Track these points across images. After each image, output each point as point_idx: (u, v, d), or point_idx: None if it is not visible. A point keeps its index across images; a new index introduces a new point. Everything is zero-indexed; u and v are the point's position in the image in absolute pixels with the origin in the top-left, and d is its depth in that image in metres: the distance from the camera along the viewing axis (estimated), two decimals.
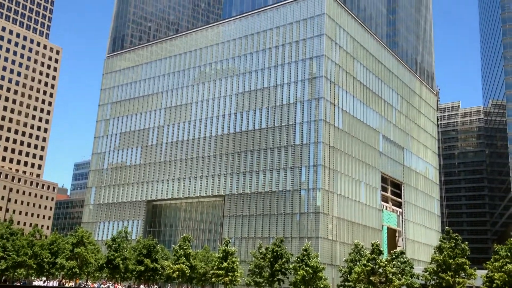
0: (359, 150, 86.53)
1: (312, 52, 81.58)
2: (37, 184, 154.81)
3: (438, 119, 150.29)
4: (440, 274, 60.36)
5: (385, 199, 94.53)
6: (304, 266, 62.03)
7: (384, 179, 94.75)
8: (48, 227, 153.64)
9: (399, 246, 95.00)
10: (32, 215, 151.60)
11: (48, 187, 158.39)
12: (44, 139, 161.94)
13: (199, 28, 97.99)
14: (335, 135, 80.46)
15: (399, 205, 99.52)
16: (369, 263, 59.87)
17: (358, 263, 63.47)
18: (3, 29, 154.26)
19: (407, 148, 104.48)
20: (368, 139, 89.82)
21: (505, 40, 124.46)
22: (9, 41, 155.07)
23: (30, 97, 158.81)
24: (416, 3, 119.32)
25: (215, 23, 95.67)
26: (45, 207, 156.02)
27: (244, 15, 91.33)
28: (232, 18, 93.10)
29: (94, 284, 75.29)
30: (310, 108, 79.47)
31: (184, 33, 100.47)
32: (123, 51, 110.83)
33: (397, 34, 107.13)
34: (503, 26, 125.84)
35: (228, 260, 65.46)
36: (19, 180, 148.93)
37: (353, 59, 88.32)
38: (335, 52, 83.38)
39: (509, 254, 58.41)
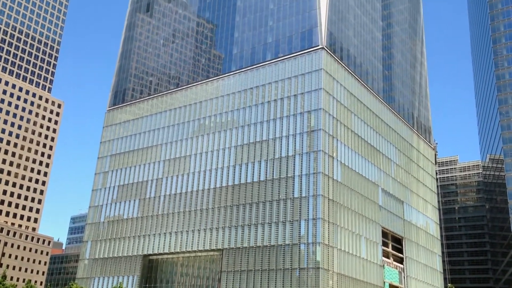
0: (359, 203, 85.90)
1: (310, 105, 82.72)
2: (32, 238, 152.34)
3: (436, 173, 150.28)
4: None
5: (386, 255, 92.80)
6: None
7: (384, 234, 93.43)
8: (41, 283, 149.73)
9: None
10: (26, 270, 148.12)
11: (43, 241, 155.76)
12: (41, 192, 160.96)
13: (199, 82, 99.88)
14: (334, 188, 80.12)
15: (400, 260, 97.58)
16: None
17: None
18: (6, 83, 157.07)
19: (407, 202, 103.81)
20: (368, 192, 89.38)
21: (500, 96, 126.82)
22: (11, 95, 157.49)
23: (29, 150, 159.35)
24: (411, 60, 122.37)
25: (215, 78, 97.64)
26: (40, 262, 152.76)
27: (243, 70, 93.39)
28: (231, 73, 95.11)
29: None
30: (309, 161, 79.58)
31: (184, 87, 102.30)
32: (124, 104, 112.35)
33: (393, 89, 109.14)
34: (497, 82, 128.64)
35: None
36: (14, 234, 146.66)
37: (350, 113, 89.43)
38: (332, 106, 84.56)
39: None
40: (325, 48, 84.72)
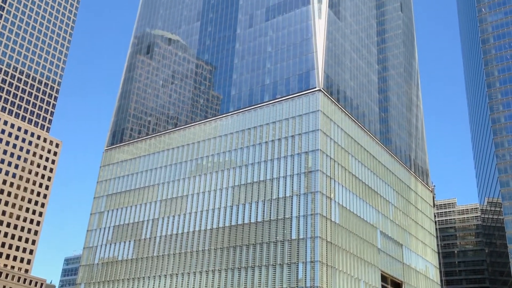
0: (357, 246, 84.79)
1: (307, 146, 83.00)
2: (25, 280, 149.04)
3: (435, 216, 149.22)
4: None
5: None
6: None
7: (384, 278, 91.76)
8: None
9: None
10: None
11: (36, 283, 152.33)
12: (35, 233, 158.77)
13: (197, 123, 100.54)
14: (332, 230, 79.27)
15: None
16: None
17: None
18: (5, 123, 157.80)
19: (406, 245, 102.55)
20: (366, 235, 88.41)
21: (496, 139, 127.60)
22: (10, 135, 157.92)
23: (25, 189, 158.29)
24: (407, 103, 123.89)
25: (213, 118, 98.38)
26: None
27: (241, 110, 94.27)
28: (229, 113, 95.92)
29: None
30: (307, 202, 79.07)
31: (182, 127, 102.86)
32: (122, 144, 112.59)
33: (390, 131, 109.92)
34: (493, 126, 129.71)
35: None
36: (6, 276, 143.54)
37: (348, 154, 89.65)
38: (330, 147, 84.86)
39: None
40: (322, 90, 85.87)
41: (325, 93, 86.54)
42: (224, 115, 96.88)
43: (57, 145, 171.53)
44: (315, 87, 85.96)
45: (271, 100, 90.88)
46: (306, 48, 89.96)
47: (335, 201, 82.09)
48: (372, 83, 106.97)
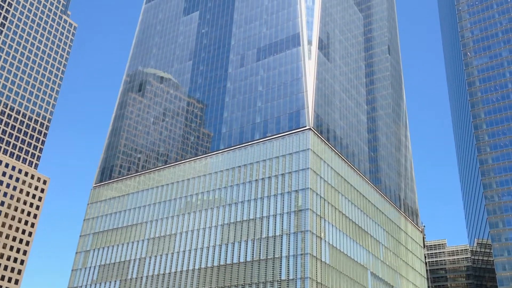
0: (348, 287, 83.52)
1: (297, 185, 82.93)
2: None
3: (425, 257, 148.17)
4: None
5: None
6: None
7: None
8: None
9: None
10: None
11: None
12: (19, 272, 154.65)
13: (187, 160, 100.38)
14: (323, 270, 78.22)
15: None
16: None
17: None
18: None
19: (396, 286, 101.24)
20: (357, 276, 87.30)
21: (484, 180, 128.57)
22: None
23: (10, 227, 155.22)
24: (396, 143, 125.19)
25: (203, 155, 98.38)
26: None
27: (231, 148, 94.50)
28: (220, 151, 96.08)
29: None
30: (296, 242, 78.27)
31: (172, 164, 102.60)
32: (111, 181, 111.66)
33: (379, 171, 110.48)
34: (481, 167, 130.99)
35: None
36: None
37: (338, 193, 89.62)
38: (320, 186, 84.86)
39: None
40: (312, 129, 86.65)
41: (315, 132, 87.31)
42: (214, 153, 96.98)
43: (44, 182, 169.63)
44: (305, 126, 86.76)
45: (262, 138, 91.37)
46: (297, 88, 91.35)
47: (325, 240, 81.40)
48: (361, 123, 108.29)
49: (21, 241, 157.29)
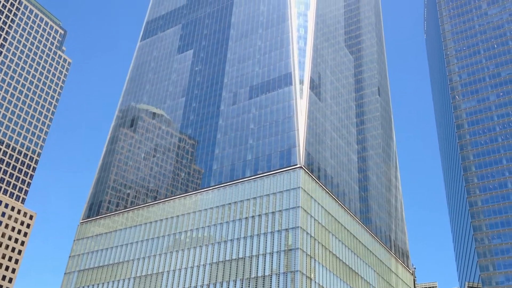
0: None
1: (288, 223, 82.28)
2: None
3: None
4: None
5: None
6: None
7: None
8: None
9: None
10: None
11: None
12: None
13: (177, 196, 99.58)
14: None
15: None
16: None
17: None
18: None
19: None
20: None
21: (474, 223, 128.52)
22: None
23: None
24: (386, 183, 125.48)
25: (194, 192, 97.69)
26: None
27: (222, 185, 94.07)
28: (210, 188, 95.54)
29: None
30: (286, 282, 76.96)
31: (162, 200, 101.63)
32: (98, 217, 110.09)
33: (370, 211, 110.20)
34: (470, 209, 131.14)
35: None
36: None
37: (328, 233, 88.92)
38: (310, 225, 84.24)
39: None
40: (303, 168, 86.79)
41: (306, 170, 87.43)
42: (205, 190, 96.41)
43: (31, 217, 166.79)
44: (296, 164, 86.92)
45: (253, 176, 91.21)
46: (288, 126, 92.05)
47: (315, 281, 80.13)
48: (352, 162, 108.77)
49: (4, 278, 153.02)
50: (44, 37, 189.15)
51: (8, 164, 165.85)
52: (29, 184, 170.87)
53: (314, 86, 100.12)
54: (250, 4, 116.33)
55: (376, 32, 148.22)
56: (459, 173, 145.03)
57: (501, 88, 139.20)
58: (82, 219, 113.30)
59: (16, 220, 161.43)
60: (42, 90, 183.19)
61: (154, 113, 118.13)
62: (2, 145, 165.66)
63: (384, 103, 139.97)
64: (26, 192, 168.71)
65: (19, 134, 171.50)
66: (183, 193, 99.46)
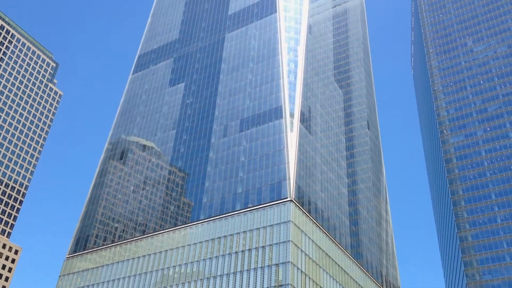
0: None
1: (278, 258, 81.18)
2: None
3: None
4: None
5: None
6: None
7: None
8: None
9: None
10: None
11: None
12: None
13: (166, 230, 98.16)
14: None
15: None
16: None
17: None
18: None
19: None
20: None
21: (465, 258, 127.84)
22: None
23: None
24: (377, 217, 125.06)
25: (183, 226, 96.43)
26: None
27: (212, 218, 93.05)
28: (200, 221, 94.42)
29: None
30: None
31: (150, 234, 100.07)
32: (85, 251, 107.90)
33: (360, 245, 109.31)
34: (461, 244, 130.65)
35: None
36: None
37: (319, 268, 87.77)
38: (301, 260, 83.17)
39: None
40: (294, 201, 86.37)
41: (297, 203, 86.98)
42: (194, 223, 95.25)
43: (16, 252, 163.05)
44: (287, 198, 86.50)
45: (243, 209, 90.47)
46: (279, 159, 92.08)
47: None
48: (342, 195, 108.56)
49: None
50: (36, 70, 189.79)
51: None
52: (15, 217, 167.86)
53: (305, 120, 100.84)
54: (241, 39, 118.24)
55: (365, 67, 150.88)
56: (448, 207, 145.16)
57: (488, 124, 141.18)
58: (69, 254, 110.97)
59: (0, 255, 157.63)
60: (32, 122, 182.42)
61: (144, 146, 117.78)
62: None
63: (374, 136, 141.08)
64: (12, 226, 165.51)
65: (6, 167, 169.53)
66: (172, 227, 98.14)
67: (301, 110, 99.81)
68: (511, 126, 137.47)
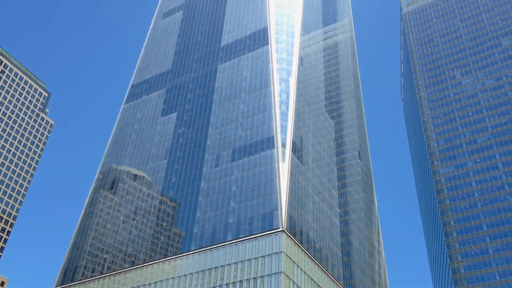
0: None
1: None
2: None
3: None
4: None
5: None
6: None
7: None
8: None
9: None
10: None
11: None
12: None
13: (156, 261, 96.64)
14: None
15: None
16: None
17: None
18: None
19: None
20: None
21: (455, 276, 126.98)
22: None
23: None
24: (369, 248, 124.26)
25: (173, 256, 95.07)
26: None
27: (203, 249, 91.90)
28: (190, 252, 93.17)
29: None
30: None
31: (140, 265, 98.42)
32: (73, 283, 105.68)
33: (353, 277, 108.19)
34: (453, 276, 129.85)
35: None
36: None
37: None
38: None
39: None
40: (286, 231, 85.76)
41: (288, 234, 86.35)
42: (185, 254, 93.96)
43: (2, 283, 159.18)
44: (279, 228, 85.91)
45: (234, 240, 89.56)
46: (270, 189, 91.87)
47: None
48: (334, 226, 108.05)
49: None
50: (28, 100, 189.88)
51: None
52: (2, 248, 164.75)
53: (296, 150, 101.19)
54: (233, 70, 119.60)
55: (356, 98, 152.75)
56: (440, 238, 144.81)
57: (478, 155, 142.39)
58: (56, 286, 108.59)
59: None
60: (22, 151, 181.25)
61: (135, 175, 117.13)
62: None
63: (365, 167, 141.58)
64: None
65: None
66: (163, 258, 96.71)
67: (293, 140, 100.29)
68: (500, 157, 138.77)
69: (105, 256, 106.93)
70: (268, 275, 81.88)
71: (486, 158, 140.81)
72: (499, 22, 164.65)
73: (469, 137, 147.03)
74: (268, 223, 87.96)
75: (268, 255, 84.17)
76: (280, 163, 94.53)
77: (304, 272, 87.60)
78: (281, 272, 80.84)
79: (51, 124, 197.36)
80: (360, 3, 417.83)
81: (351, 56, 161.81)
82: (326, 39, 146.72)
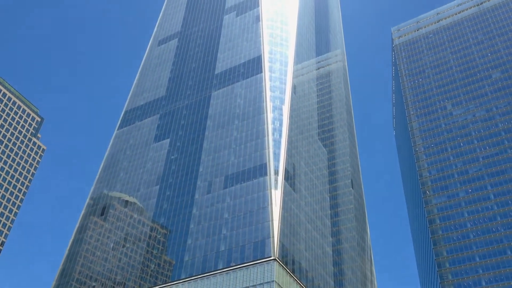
0: None
1: None
2: None
3: None
4: None
5: None
6: None
7: None
8: None
9: None
10: None
11: None
12: None
13: None
14: None
15: None
16: None
17: None
18: None
19: None
20: None
21: None
22: None
23: None
24: (362, 278, 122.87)
25: (163, 285, 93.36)
26: None
27: (193, 278, 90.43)
28: (181, 281, 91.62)
29: None
30: None
31: None
32: None
33: None
34: None
35: None
36: None
37: None
38: None
39: None
40: (277, 260, 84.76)
41: (280, 262, 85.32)
42: (174, 283, 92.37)
43: None
44: (270, 256, 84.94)
45: (225, 268, 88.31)
46: (263, 217, 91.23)
47: None
48: (326, 255, 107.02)
49: None
50: (20, 124, 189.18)
51: None
52: None
53: (289, 177, 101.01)
54: (227, 97, 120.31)
55: (348, 126, 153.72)
56: (433, 269, 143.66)
57: (470, 185, 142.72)
58: None
59: None
60: (12, 176, 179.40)
61: (126, 201, 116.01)
62: None
63: (358, 195, 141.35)
64: None
65: None
66: (152, 286, 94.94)
67: (285, 168, 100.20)
68: (492, 188, 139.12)
69: (94, 284, 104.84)
70: None
71: (477, 189, 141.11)
72: (489, 54, 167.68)
73: (460, 167, 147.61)
74: (260, 252, 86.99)
75: (260, 284, 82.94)
76: (273, 190, 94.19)
77: None
78: None
79: (43, 149, 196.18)
80: (352, 34, 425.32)
81: (343, 85, 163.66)
82: (319, 68, 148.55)
